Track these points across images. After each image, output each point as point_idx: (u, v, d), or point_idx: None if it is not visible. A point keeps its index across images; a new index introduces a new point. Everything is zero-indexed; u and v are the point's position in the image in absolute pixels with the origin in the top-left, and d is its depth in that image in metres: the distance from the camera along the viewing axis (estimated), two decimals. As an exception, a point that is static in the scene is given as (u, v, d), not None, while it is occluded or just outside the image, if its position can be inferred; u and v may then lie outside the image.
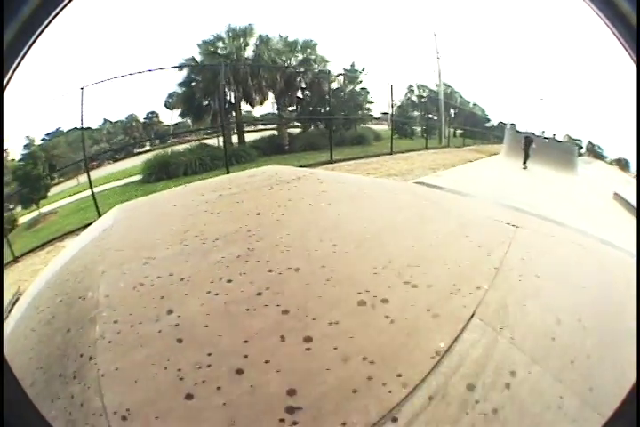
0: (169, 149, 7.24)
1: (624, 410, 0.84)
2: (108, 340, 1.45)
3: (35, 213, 6.21)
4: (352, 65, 8.18)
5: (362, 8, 7.24)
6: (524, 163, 7.07)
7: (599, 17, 0.96)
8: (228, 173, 6.50)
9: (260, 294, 1.56)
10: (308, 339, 1.36)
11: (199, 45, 7.38)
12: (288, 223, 2.14)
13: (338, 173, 5.38)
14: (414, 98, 8.78)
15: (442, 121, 8.80)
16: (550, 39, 6.69)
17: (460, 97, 8.94)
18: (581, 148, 7.65)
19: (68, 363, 1.43)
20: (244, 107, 7.71)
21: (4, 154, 5.68)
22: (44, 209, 6.27)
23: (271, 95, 7.76)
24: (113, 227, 2.35)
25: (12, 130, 5.77)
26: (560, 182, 6.76)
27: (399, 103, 8.63)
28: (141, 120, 7.42)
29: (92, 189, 6.19)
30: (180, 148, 7.27)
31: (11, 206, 5.91)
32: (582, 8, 1.00)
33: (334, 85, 8.22)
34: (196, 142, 7.44)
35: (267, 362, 1.31)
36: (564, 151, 7.51)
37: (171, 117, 7.60)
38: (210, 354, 1.35)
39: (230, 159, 7.00)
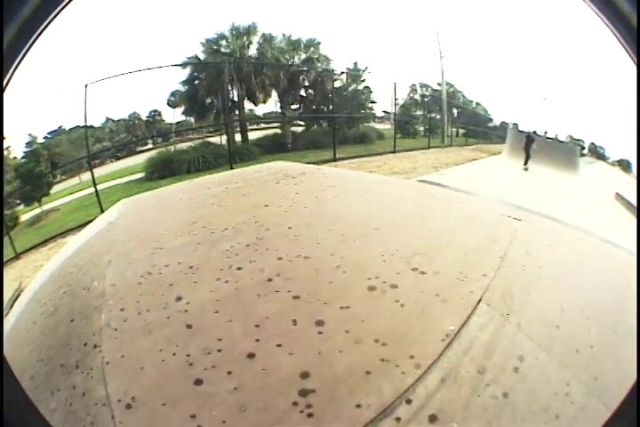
0: (172, 147, 7.25)
1: (624, 410, 0.84)
2: (114, 327, 1.42)
3: (37, 211, 6.22)
4: (355, 64, 8.22)
5: (365, 7, 7.28)
6: (525, 163, 7.07)
7: (599, 17, 0.96)
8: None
9: (270, 280, 1.56)
10: (320, 322, 1.36)
11: (202, 44, 7.41)
12: (296, 214, 2.14)
13: (343, 170, 5.39)
14: (417, 97, 8.80)
15: (444, 120, 8.82)
16: (552, 39, 6.72)
17: (463, 96, 8.98)
18: (584, 148, 7.68)
19: (70, 353, 1.40)
20: (248, 105, 7.74)
21: (6, 152, 5.69)
22: (47, 206, 6.28)
23: (274, 93, 7.79)
24: (118, 220, 2.32)
25: (15, 128, 5.80)
26: (562, 182, 6.78)
27: (402, 102, 8.66)
28: (144, 118, 7.43)
29: (95, 185, 6.19)
30: (184, 146, 7.28)
31: (17, 202, 5.93)
32: (582, 8, 1.01)
33: (337, 84, 8.26)
34: (200, 140, 7.45)
35: (279, 346, 1.30)
36: (567, 152, 7.54)
37: (173, 116, 7.63)
38: (220, 339, 1.33)
39: (234, 157, 6.99)
